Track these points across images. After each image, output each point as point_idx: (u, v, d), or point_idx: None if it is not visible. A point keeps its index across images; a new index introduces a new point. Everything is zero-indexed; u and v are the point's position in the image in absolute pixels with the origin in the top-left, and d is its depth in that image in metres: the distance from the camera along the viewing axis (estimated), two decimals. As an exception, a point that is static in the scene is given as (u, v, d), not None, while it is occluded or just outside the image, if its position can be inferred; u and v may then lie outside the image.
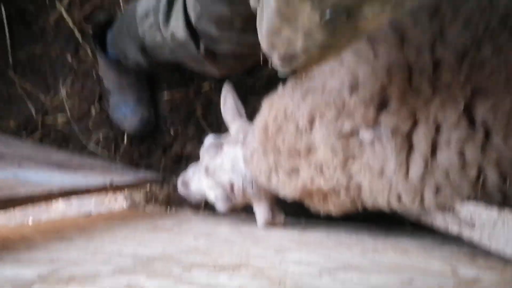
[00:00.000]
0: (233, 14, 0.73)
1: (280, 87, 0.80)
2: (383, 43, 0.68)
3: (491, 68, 0.59)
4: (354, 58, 0.70)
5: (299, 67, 0.61)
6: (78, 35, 1.34)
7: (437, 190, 0.63)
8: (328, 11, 0.47)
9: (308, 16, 0.49)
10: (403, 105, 0.63)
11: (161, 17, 0.90)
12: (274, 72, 1.34)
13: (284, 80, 1.16)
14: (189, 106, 1.33)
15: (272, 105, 0.79)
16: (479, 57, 0.61)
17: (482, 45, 0.62)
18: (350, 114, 0.67)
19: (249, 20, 0.64)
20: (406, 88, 0.64)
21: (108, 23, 1.21)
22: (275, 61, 0.61)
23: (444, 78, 0.62)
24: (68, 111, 1.35)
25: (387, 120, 0.64)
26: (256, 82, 1.30)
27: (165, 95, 1.33)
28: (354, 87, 0.68)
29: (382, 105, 0.66)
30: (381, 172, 0.66)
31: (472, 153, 0.59)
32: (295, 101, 0.75)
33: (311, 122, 0.72)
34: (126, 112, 1.27)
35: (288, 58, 0.59)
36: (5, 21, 1.36)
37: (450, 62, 0.64)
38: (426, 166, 0.62)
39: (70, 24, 1.34)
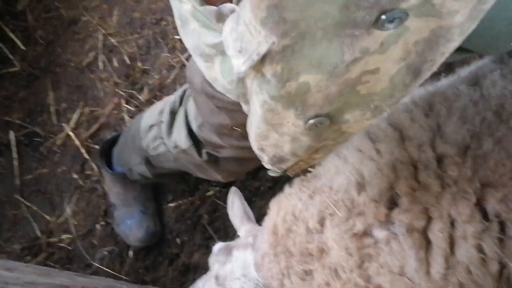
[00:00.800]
0: (233, 122, 0.75)
1: (287, 188, 0.80)
2: (384, 140, 0.70)
3: (495, 161, 0.60)
4: (357, 156, 0.71)
5: (289, 168, 0.62)
6: (84, 153, 1.38)
7: (461, 287, 0.60)
8: (310, 118, 0.49)
9: (293, 123, 0.51)
10: (414, 202, 0.63)
11: (164, 128, 0.95)
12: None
13: (289, 181, 1.17)
14: (194, 214, 1.32)
15: (280, 206, 0.79)
16: (481, 151, 0.62)
17: (482, 138, 0.63)
18: (361, 213, 0.67)
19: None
20: (414, 185, 0.64)
21: (114, 140, 1.26)
22: (265, 163, 0.63)
23: (450, 173, 0.63)
24: (73, 230, 1.34)
25: (401, 217, 0.63)
26: (261, 184, 1.31)
27: (171, 205, 1.33)
28: (361, 185, 0.68)
29: (392, 202, 0.65)
30: (402, 272, 0.63)
31: (490, 246, 0.58)
32: (303, 201, 0.75)
33: (322, 222, 0.71)
34: (131, 225, 1.27)
35: (277, 160, 0.61)
36: (14, 148, 1.41)
37: (453, 157, 0.65)
38: (446, 262, 0.60)
39: (77, 143, 1.39)
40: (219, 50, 0.53)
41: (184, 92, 0.95)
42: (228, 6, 0.48)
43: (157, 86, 1.43)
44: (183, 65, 1.44)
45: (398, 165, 0.66)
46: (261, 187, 1.31)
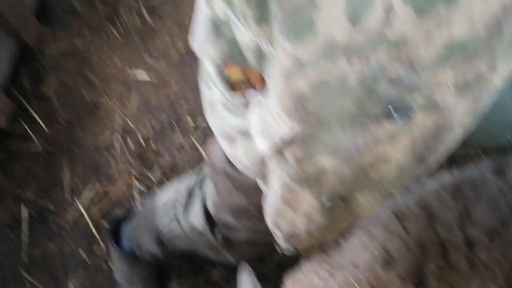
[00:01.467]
0: (250, 204, 0.77)
1: (304, 263, 0.80)
2: (412, 219, 0.71)
3: (523, 246, 0.62)
4: (384, 233, 0.72)
5: (302, 245, 0.64)
6: (93, 230, 1.40)
7: None
8: (325, 198, 0.53)
9: (308, 202, 0.54)
10: (442, 282, 0.63)
11: (180, 209, 0.96)
12: (285, 258, 1.36)
13: (296, 264, 1.17)
14: (198, 296, 1.31)
15: (296, 282, 0.78)
16: (509, 236, 0.63)
17: (510, 225, 0.65)
18: None
19: None
20: (442, 265, 0.65)
21: (125, 217, 1.29)
22: (279, 239, 0.65)
23: (480, 256, 0.64)
24: (74, 308, 1.32)
25: None
26: (267, 268, 1.31)
27: (174, 285, 1.32)
28: (388, 262, 0.68)
29: (419, 281, 0.65)
30: None
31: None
32: (323, 277, 0.74)
33: None
34: (135, 305, 1.25)
35: (291, 237, 0.63)
36: (25, 223, 1.44)
37: (482, 241, 0.66)
38: None
39: (87, 220, 1.42)
40: (243, 132, 0.57)
41: (202, 173, 0.98)
42: (252, 94, 0.53)
43: (168, 167, 1.48)
44: (195, 148, 1.51)
45: (427, 244, 0.67)
46: (266, 271, 1.31)
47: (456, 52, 0.37)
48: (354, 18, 0.36)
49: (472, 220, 0.67)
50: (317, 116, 0.44)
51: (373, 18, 0.35)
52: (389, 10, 0.35)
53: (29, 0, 1.67)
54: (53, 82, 1.64)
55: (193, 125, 1.55)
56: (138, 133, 1.54)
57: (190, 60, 1.66)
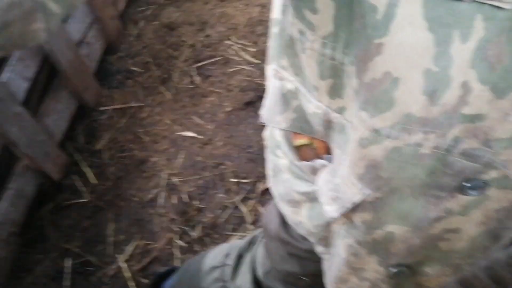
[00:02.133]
0: (301, 271, 0.76)
1: None
2: None
3: None
4: None
5: None
6: (133, 286, 1.40)
7: None
8: (392, 266, 0.52)
9: (374, 269, 0.54)
10: None
11: (228, 271, 0.95)
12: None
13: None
14: None
15: None
16: None
17: None
18: None
19: (316, 277, 0.68)
20: None
21: (166, 274, 1.28)
22: None
23: None
24: None
25: None
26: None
27: None
28: None
29: None
30: None
31: None
32: None
33: None
34: None
35: None
36: (67, 275, 1.46)
37: None
38: None
39: (128, 275, 1.42)
40: (310, 197, 0.58)
41: (253, 238, 0.98)
42: (320, 162, 0.55)
43: (210, 225, 1.48)
44: (236, 207, 1.51)
45: None
46: None
47: None
48: (432, 95, 0.37)
49: None
50: (389, 183, 0.44)
51: (450, 95, 0.36)
52: (466, 89, 0.36)
53: (90, 62, 1.80)
54: (106, 139, 1.73)
55: (236, 185, 1.56)
56: (182, 190, 1.57)
57: (236, 120, 1.71)
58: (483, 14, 0.32)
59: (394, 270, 0.52)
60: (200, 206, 1.53)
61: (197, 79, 1.83)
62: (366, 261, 0.53)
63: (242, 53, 1.92)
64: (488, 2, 0.32)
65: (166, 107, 1.78)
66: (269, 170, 0.65)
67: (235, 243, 1.02)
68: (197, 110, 1.76)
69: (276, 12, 0.53)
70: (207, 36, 2.01)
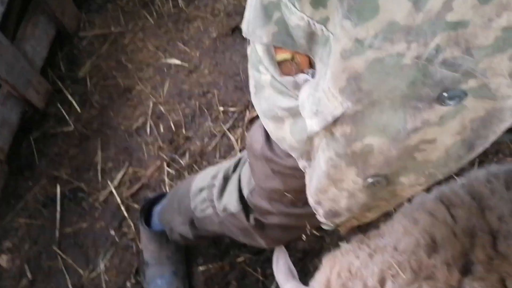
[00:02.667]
0: (285, 188, 0.79)
1: (343, 244, 0.80)
2: (460, 207, 0.70)
3: None
4: (429, 219, 0.71)
5: (341, 224, 0.65)
6: (124, 211, 1.44)
7: None
8: (369, 177, 0.54)
9: (352, 180, 0.56)
10: (490, 271, 0.62)
11: (215, 192, 0.98)
12: (310, 247, 1.36)
13: (321, 253, 1.18)
14: (223, 279, 1.33)
15: (335, 262, 0.77)
16: None
17: None
18: (430, 276, 0.65)
19: (299, 193, 0.70)
20: (491, 254, 0.64)
21: (156, 199, 1.32)
22: (320, 216, 0.66)
23: None
24: (104, 286, 1.36)
25: (474, 285, 0.62)
26: (291, 256, 1.32)
27: (200, 268, 1.35)
28: (432, 248, 0.67)
29: (465, 268, 0.64)
30: None
31: None
32: (362, 259, 0.73)
33: (382, 282, 0.69)
34: (162, 285, 1.28)
35: (331, 214, 0.65)
36: (58, 201, 1.49)
37: None
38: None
39: (118, 201, 1.45)
40: (292, 113, 0.58)
41: (239, 160, 1.00)
42: (302, 76, 0.55)
43: (198, 152, 1.51)
44: (224, 134, 1.52)
45: (476, 232, 0.66)
46: (291, 259, 1.32)
47: None
48: (417, 1, 0.36)
49: None
50: (370, 95, 0.45)
51: (435, 1, 0.36)
52: None
53: (68, -15, 1.70)
54: (88, 66, 1.68)
55: (224, 113, 1.56)
56: (169, 119, 1.57)
57: (222, 47, 1.67)
58: None
59: (371, 180, 0.54)
60: (188, 134, 1.54)
61: (181, 2, 1.76)
62: (345, 172, 0.55)
63: (227, -24, 1.83)
64: None
65: (148, 32, 1.72)
66: (251, 86, 0.64)
67: (222, 165, 1.05)
68: (182, 36, 1.71)
69: None
70: (190, -44, 1.91)
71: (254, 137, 0.81)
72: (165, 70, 1.65)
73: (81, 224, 1.46)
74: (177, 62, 1.66)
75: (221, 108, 1.56)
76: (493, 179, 0.73)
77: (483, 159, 1.30)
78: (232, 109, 1.56)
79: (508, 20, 0.36)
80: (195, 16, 1.74)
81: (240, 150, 1.49)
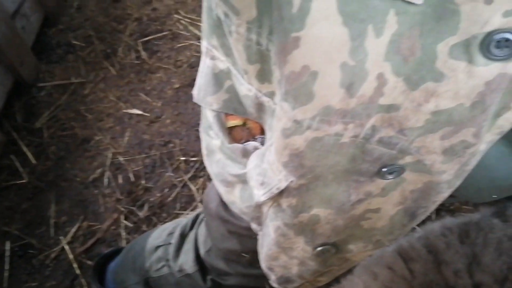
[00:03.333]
0: (242, 248, 0.77)
1: None
2: (418, 261, 0.70)
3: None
4: (388, 273, 0.70)
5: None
6: (76, 268, 1.36)
7: None
8: (318, 245, 0.55)
9: (302, 248, 0.56)
10: None
11: (171, 250, 0.95)
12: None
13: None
14: None
15: None
16: None
17: None
18: None
19: (257, 254, 0.68)
20: None
21: (111, 255, 1.25)
22: (273, 282, 0.65)
23: None
24: None
25: None
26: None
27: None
28: None
29: None
30: None
31: None
32: None
33: None
34: None
35: (284, 281, 0.64)
36: (7, 259, 1.39)
37: (491, 286, 0.65)
38: None
39: (71, 257, 1.37)
40: (241, 179, 0.58)
41: (197, 217, 0.97)
42: (251, 144, 0.55)
43: (157, 204, 1.46)
44: (185, 185, 1.49)
45: (433, 287, 0.65)
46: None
47: (443, 121, 0.39)
48: (350, 87, 0.37)
49: (480, 265, 0.66)
50: (313, 170, 0.45)
51: (367, 87, 0.37)
52: (381, 81, 0.37)
53: (27, 35, 1.69)
54: (45, 116, 1.64)
55: (185, 163, 1.54)
56: (128, 169, 1.52)
57: (184, 97, 1.67)
58: (395, 9, 0.33)
59: (320, 248, 0.55)
60: (147, 185, 1.50)
61: (144, 54, 1.77)
62: (294, 241, 0.55)
63: (191, 28, 1.86)
64: (400, 0, 0.32)
65: (110, 83, 1.71)
66: (203, 148, 0.64)
67: (179, 221, 1.02)
68: (144, 86, 1.71)
69: None
70: (154, 9, 1.94)
71: (209, 196, 0.79)
72: (126, 120, 1.63)
73: (30, 283, 1.36)
74: (139, 112, 1.64)
75: (182, 158, 1.54)
76: (447, 232, 0.73)
77: (440, 207, 1.30)
78: (193, 158, 1.54)
79: (435, 105, 0.38)
80: (157, 67, 1.75)
81: (201, 201, 1.45)
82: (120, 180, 1.51)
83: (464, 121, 0.39)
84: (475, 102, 0.37)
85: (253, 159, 0.54)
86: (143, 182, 1.50)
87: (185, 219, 1.00)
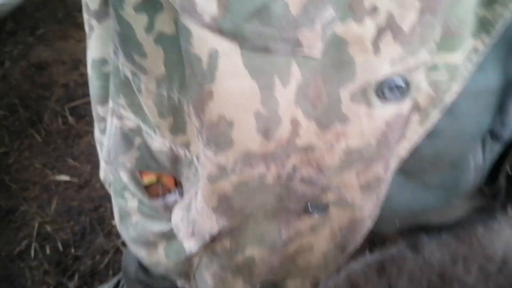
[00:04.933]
0: None
1: None
2: None
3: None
4: None
5: None
6: None
7: None
8: (257, 285, 0.56)
9: None
10: None
11: None
12: None
13: None
14: None
15: None
16: None
17: None
18: None
19: None
20: None
21: None
22: None
23: None
24: None
25: None
26: None
27: None
28: None
29: None
30: None
31: None
32: None
33: None
34: None
35: None
36: None
37: None
38: None
39: None
40: (166, 236, 0.58)
41: (118, 282, 0.95)
42: (171, 197, 0.56)
43: (88, 272, 1.41)
44: (118, 250, 1.45)
45: None
46: None
47: (355, 159, 0.43)
48: (266, 133, 0.40)
49: None
50: (242, 211, 0.47)
51: (283, 131, 0.40)
52: (295, 124, 0.40)
53: None
54: (-34, 189, 1.57)
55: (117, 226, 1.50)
56: (57, 239, 1.47)
57: (114, 161, 1.66)
58: (297, 61, 0.36)
59: (259, 287, 0.56)
60: (77, 253, 1.45)
61: (71, 119, 1.76)
62: (233, 284, 0.56)
63: (119, 91, 1.88)
64: (300, 55, 0.36)
65: (36, 151, 1.67)
66: (115, 214, 0.64)
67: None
68: (72, 151, 1.68)
69: (96, 52, 0.54)
70: (82, 74, 1.95)
71: (128, 260, 0.78)
72: (53, 188, 1.59)
73: None
74: (66, 178, 1.61)
75: (114, 223, 1.51)
76: (366, 268, 0.77)
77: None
78: (125, 222, 1.51)
79: (346, 145, 0.41)
80: (85, 131, 1.74)
81: (134, 265, 1.42)
82: (48, 251, 1.45)
83: (373, 157, 0.42)
84: (380, 140, 0.41)
85: (177, 212, 0.54)
86: (72, 250, 1.45)
87: (106, 285, 0.97)
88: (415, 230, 0.86)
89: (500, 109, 0.45)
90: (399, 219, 0.64)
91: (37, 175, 1.61)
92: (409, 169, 0.50)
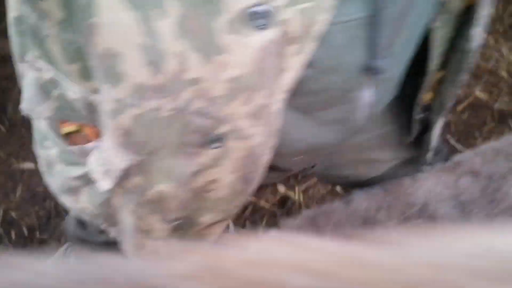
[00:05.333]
0: None
1: None
2: None
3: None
4: None
5: None
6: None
7: None
8: (171, 220, 0.58)
9: (159, 227, 0.59)
10: None
11: None
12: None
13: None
14: None
15: None
16: None
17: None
18: None
19: None
20: None
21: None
22: None
23: None
24: None
25: None
26: None
27: None
28: None
29: None
30: None
31: None
32: None
33: None
34: None
35: None
36: None
37: None
38: None
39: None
40: (85, 180, 0.60)
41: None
42: (90, 145, 0.57)
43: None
44: (83, 232, 1.47)
45: None
46: None
47: (241, 88, 0.45)
48: (154, 65, 0.42)
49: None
50: (146, 146, 0.49)
51: (170, 64, 0.42)
52: (182, 57, 0.42)
53: None
54: None
55: (83, 210, 1.53)
56: (22, 224, 1.49)
57: (78, 147, 1.67)
58: None
59: (175, 224, 0.57)
60: (43, 237, 1.47)
61: (35, 109, 1.77)
62: (150, 221, 0.58)
63: (84, 81, 1.90)
64: None
65: (0, 141, 1.68)
66: (42, 166, 0.66)
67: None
68: (36, 140, 1.70)
69: (14, 10, 0.56)
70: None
71: (68, 220, 0.81)
72: (18, 175, 1.60)
73: None
74: (31, 166, 1.62)
75: (79, 206, 1.53)
76: (300, 221, 0.82)
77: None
78: (90, 205, 1.53)
79: (231, 73, 0.43)
80: (50, 120, 1.75)
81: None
82: (13, 236, 1.46)
83: (255, 86, 0.45)
84: (259, 69, 0.43)
85: (93, 155, 0.56)
86: (37, 234, 1.47)
87: (57, 252, 0.99)
88: (353, 188, 0.90)
89: (371, 41, 0.48)
90: (302, 155, 0.65)
91: (1, 163, 1.62)
92: (302, 105, 0.54)
